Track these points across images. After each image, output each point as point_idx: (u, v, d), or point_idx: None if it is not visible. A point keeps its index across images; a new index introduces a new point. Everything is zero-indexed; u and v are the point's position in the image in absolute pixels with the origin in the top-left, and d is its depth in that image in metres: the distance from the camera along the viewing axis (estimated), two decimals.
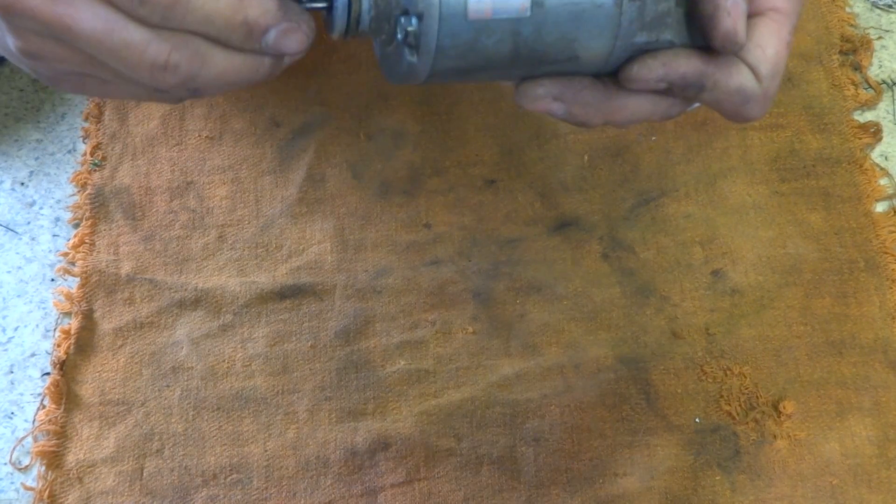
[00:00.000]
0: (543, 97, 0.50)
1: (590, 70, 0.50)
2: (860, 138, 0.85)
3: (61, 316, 0.80)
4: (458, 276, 0.80)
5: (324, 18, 0.50)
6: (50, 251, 0.83)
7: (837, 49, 0.90)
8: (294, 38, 0.47)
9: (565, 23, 0.48)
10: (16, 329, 0.80)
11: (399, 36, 0.48)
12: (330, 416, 0.75)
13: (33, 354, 0.78)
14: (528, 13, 0.47)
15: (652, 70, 0.49)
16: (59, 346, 0.78)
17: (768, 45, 0.51)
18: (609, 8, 0.48)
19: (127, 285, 0.80)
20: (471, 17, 0.46)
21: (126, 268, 0.81)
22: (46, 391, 0.76)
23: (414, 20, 0.47)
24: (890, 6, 0.92)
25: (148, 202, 0.84)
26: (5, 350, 0.79)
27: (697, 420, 0.74)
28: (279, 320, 0.78)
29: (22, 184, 0.86)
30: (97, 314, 0.79)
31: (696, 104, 0.53)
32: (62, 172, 0.86)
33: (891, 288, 0.79)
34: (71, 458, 0.74)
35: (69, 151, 0.87)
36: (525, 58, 0.49)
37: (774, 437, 0.73)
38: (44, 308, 0.80)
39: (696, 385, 0.75)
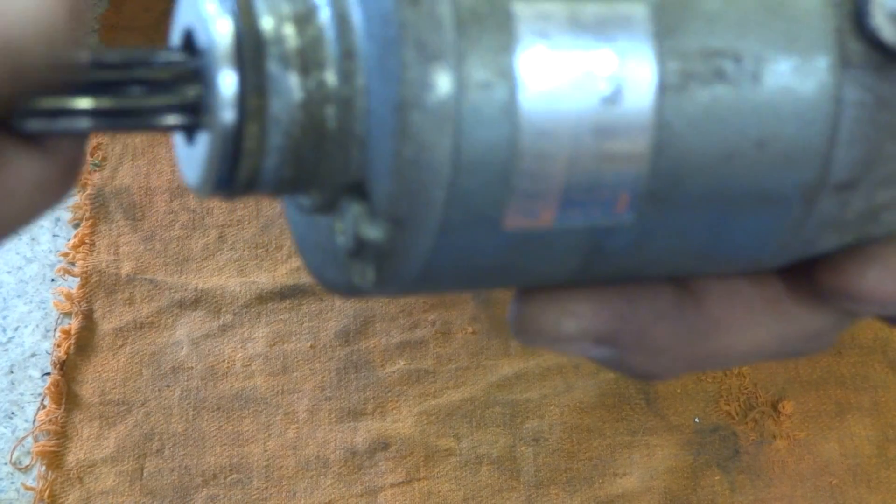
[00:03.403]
0: (576, 337, 0.25)
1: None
2: None
3: (61, 316, 0.80)
4: None
5: (178, 153, 0.27)
6: (50, 251, 0.83)
7: None
8: None
9: (696, 229, 0.25)
10: (16, 329, 0.80)
11: (345, 241, 0.25)
12: (330, 416, 0.75)
13: (33, 354, 0.78)
14: (628, 216, 0.24)
15: None
16: (59, 346, 0.78)
17: None
18: (789, 205, 0.25)
19: (127, 285, 0.80)
20: (508, 226, 0.23)
21: (126, 268, 0.81)
22: (46, 391, 0.76)
23: (379, 227, 0.23)
24: None
25: (148, 202, 0.84)
26: (5, 350, 0.79)
27: (697, 420, 0.74)
28: (279, 320, 0.79)
29: None
30: (97, 314, 0.79)
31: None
32: None
33: None
34: (71, 458, 0.74)
35: None
36: (593, 278, 0.26)
37: (774, 436, 0.73)
38: (44, 308, 0.80)
39: (696, 385, 0.75)
